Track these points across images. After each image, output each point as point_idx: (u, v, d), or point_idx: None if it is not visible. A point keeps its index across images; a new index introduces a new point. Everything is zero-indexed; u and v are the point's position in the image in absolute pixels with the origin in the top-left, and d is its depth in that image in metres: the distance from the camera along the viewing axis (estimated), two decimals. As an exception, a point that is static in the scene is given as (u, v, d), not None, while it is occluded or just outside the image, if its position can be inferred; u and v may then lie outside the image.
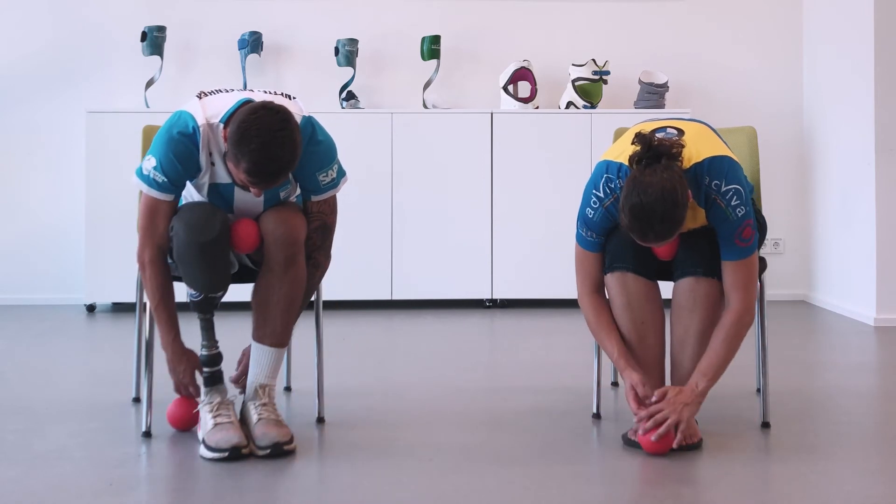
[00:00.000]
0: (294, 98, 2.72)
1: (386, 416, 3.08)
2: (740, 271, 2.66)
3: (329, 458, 2.66)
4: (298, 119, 2.64)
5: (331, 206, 2.80)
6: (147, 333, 2.87)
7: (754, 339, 3.05)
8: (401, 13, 5.76)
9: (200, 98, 2.67)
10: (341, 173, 2.79)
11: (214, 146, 2.63)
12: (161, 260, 2.71)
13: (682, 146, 2.58)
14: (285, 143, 2.47)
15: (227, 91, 2.69)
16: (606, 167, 2.72)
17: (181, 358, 2.78)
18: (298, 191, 2.85)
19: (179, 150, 2.61)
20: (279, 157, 2.47)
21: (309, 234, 2.75)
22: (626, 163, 2.63)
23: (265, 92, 2.71)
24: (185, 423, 2.84)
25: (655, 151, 2.53)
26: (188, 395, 2.83)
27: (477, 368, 3.96)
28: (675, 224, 2.50)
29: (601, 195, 2.71)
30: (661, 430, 2.58)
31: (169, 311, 2.73)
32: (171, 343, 2.75)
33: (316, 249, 2.79)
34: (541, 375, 3.71)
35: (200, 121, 2.60)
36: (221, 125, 2.59)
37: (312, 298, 2.95)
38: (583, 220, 2.78)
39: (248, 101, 2.61)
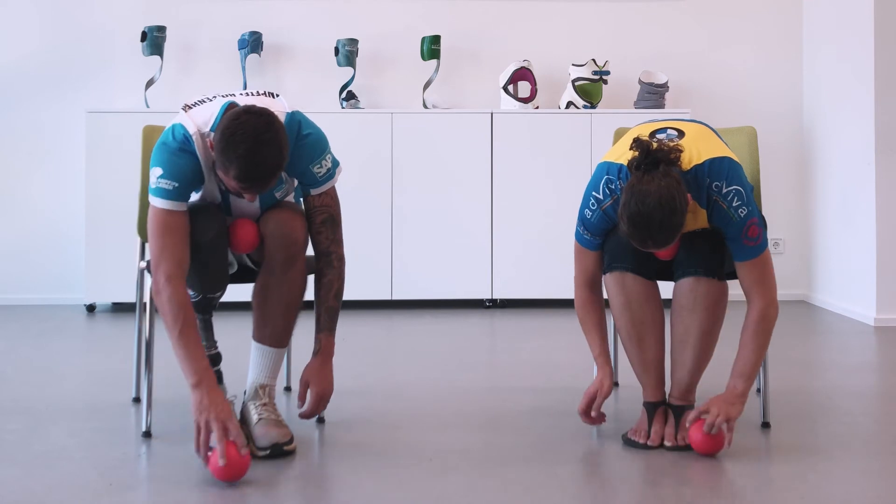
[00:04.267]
0: (277, 96, 2.70)
1: (386, 416, 3.08)
2: (755, 270, 2.67)
3: (329, 458, 2.66)
4: (283, 117, 2.63)
5: (332, 197, 2.76)
6: (147, 333, 2.86)
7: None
8: (401, 13, 5.76)
9: (186, 111, 2.65)
10: (335, 163, 2.77)
11: (208, 155, 2.62)
12: (180, 278, 2.54)
13: (681, 151, 2.58)
14: (272, 146, 2.45)
15: (210, 99, 2.67)
16: (607, 168, 2.73)
17: (217, 389, 2.46)
18: (295, 187, 2.85)
19: (180, 157, 2.59)
20: (266, 160, 2.45)
21: (318, 229, 2.73)
22: (627, 164, 2.64)
23: (248, 93, 2.70)
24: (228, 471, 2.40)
25: (654, 157, 2.53)
26: (225, 439, 2.36)
27: (477, 368, 3.95)
28: (673, 231, 2.51)
29: (600, 197, 2.72)
30: (712, 427, 2.57)
31: (196, 335, 2.52)
32: (204, 372, 2.47)
33: (331, 243, 2.75)
34: (541, 375, 3.71)
35: (192, 129, 2.59)
36: (212, 133, 2.57)
37: (311, 298, 2.95)
38: (581, 219, 2.79)
39: (231, 105, 2.61)
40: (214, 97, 2.67)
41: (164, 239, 2.56)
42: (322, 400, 2.70)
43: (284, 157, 2.50)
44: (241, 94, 2.68)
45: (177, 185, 2.58)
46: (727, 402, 2.61)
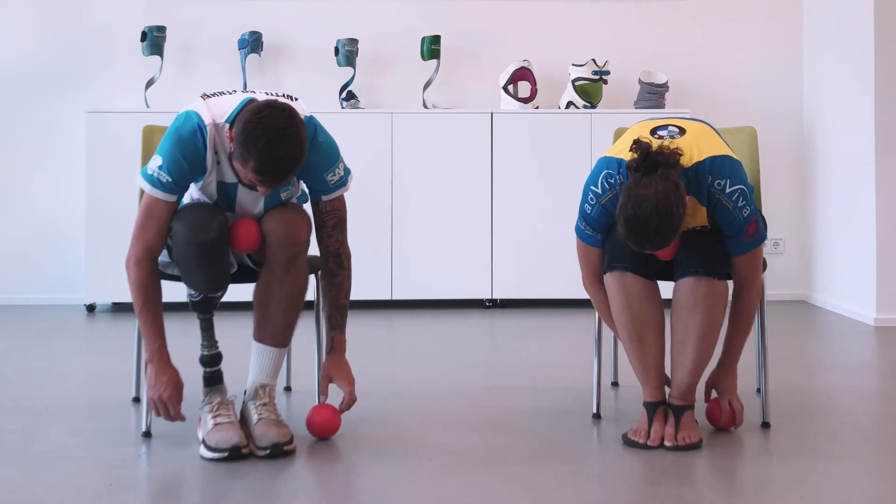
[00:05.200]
0: (297, 99, 2.72)
1: (386, 416, 3.08)
2: (750, 262, 2.77)
3: (329, 458, 2.66)
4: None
5: (342, 201, 2.83)
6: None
7: (754, 339, 3.05)
8: (401, 13, 5.76)
9: (204, 99, 2.66)
10: (347, 171, 2.81)
11: (220, 146, 2.63)
12: (149, 261, 2.64)
13: (681, 154, 2.59)
14: (292, 140, 2.48)
15: (230, 93, 2.69)
16: (606, 163, 2.73)
17: (166, 369, 2.64)
18: (300, 192, 2.87)
19: (187, 150, 2.61)
20: (287, 154, 2.48)
21: (329, 233, 2.80)
22: (627, 164, 2.64)
23: (268, 94, 2.71)
24: (329, 426, 2.78)
25: (653, 160, 2.54)
26: (168, 418, 2.65)
27: (477, 368, 3.96)
28: (670, 235, 2.53)
29: (598, 191, 2.73)
30: (737, 416, 2.84)
31: (154, 315, 2.64)
32: (156, 352, 2.63)
33: (341, 244, 2.83)
34: (541, 375, 3.71)
35: (207, 120, 2.60)
36: (227, 125, 2.59)
37: (312, 298, 2.95)
38: (582, 214, 2.80)
39: (251, 101, 2.62)
40: (234, 91, 2.70)
41: (146, 222, 2.66)
42: (352, 390, 2.80)
43: (304, 152, 2.53)
44: (261, 93, 2.69)
45: (170, 180, 2.62)
46: (734, 384, 2.86)
